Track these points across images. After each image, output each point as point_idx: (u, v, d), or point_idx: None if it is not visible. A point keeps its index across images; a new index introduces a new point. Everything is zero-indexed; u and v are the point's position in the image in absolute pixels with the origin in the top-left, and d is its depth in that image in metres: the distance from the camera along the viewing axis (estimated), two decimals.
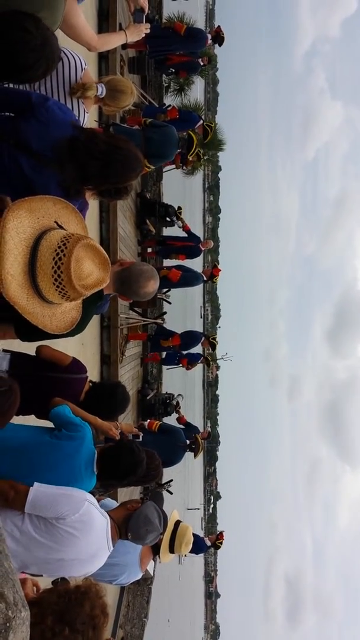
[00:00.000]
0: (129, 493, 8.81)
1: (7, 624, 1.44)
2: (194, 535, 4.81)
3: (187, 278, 10.62)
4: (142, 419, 9.89)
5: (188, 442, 9.12)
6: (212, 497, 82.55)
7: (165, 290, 11.38)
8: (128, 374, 9.67)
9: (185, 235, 11.12)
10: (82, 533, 2.64)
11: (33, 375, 3.32)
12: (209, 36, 10.30)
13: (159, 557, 4.03)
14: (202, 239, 11.79)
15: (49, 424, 3.15)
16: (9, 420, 2.20)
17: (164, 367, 12.58)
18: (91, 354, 7.65)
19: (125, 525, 2.90)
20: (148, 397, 11.14)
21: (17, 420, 3.19)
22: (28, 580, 2.26)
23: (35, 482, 2.63)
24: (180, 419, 10.79)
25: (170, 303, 12.29)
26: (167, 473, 8.90)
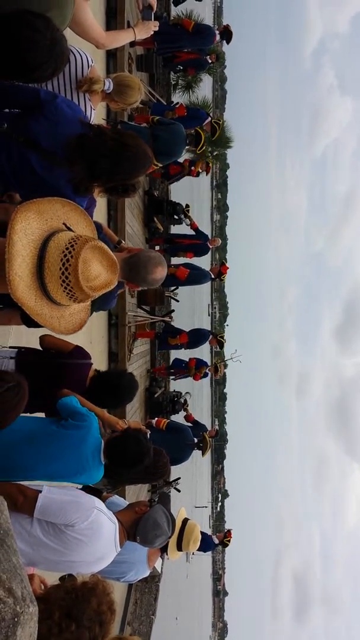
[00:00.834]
0: (137, 491, 8.83)
1: (16, 619, 1.44)
2: (202, 533, 4.81)
3: (195, 276, 10.61)
4: (150, 417, 9.90)
5: (196, 440, 9.12)
6: (219, 495, 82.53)
7: (173, 288, 11.37)
8: (136, 372, 9.68)
9: (193, 233, 11.11)
10: (90, 539, 2.65)
11: (38, 363, 3.34)
12: (217, 33, 10.27)
13: (166, 554, 4.03)
14: (210, 236, 11.77)
15: None
16: (18, 415, 2.21)
17: (172, 380, 12.41)
18: (99, 351, 7.67)
19: (134, 529, 2.91)
20: (156, 395, 11.14)
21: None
22: (35, 576, 2.27)
23: (44, 487, 2.63)
24: (188, 417, 10.79)
25: (178, 301, 12.28)
26: (175, 471, 8.90)
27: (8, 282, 1.91)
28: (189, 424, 10.23)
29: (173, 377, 11.75)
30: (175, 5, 10.77)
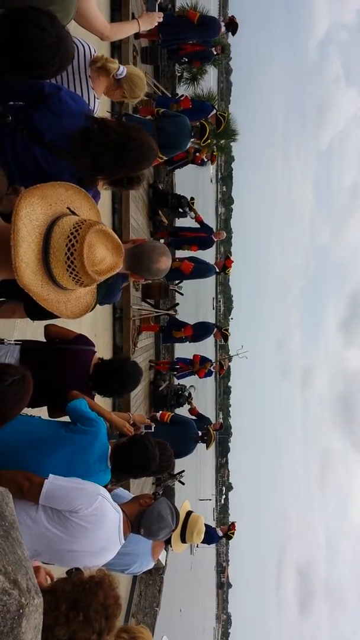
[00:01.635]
0: (141, 483, 8.86)
1: (21, 611, 1.45)
2: (206, 525, 4.83)
3: (200, 270, 10.60)
4: (154, 410, 9.91)
5: (200, 433, 9.14)
6: (224, 488, 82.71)
7: (177, 281, 11.36)
8: (140, 365, 9.69)
9: (198, 226, 11.08)
10: (94, 526, 2.67)
11: (42, 349, 3.36)
12: (223, 25, 10.20)
13: (170, 546, 4.05)
14: (214, 229, 11.75)
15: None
16: (22, 409, 2.21)
17: (176, 380, 12.37)
18: (103, 344, 7.68)
19: (138, 521, 2.93)
20: (160, 388, 11.15)
21: (30, 412, 3.22)
22: (42, 569, 2.29)
23: (50, 474, 2.66)
24: (192, 410, 10.80)
25: (182, 294, 12.28)
26: (179, 464, 8.92)
27: (14, 269, 1.91)
28: (193, 417, 10.25)
29: (176, 373, 11.73)
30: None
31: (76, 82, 2.97)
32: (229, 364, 14.72)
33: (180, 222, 12.16)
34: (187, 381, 12.46)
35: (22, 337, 3.99)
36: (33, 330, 4.61)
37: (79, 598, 1.86)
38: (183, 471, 10.46)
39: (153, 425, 4.46)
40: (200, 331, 11.22)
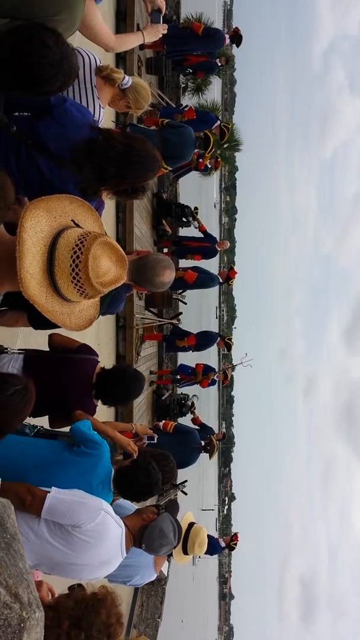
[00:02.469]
0: None
1: (22, 625, 1.44)
2: (209, 536, 4.80)
3: (203, 280, 10.60)
4: (157, 420, 9.89)
5: (203, 443, 9.10)
6: (226, 498, 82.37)
7: (180, 291, 11.37)
8: (143, 374, 9.68)
9: (202, 235, 11.10)
10: (96, 541, 2.65)
11: (45, 357, 3.36)
12: (227, 36, 10.27)
13: (172, 557, 4.03)
14: (218, 239, 11.76)
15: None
16: (25, 419, 2.20)
17: (179, 389, 12.32)
18: (107, 353, 7.67)
19: (140, 536, 2.92)
20: (163, 398, 11.13)
21: (32, 422, 3.21)
22: (44, 584, 2.27)
23: (52, 488, 2.64)
24: (195, 420, 10.77)
25: (185, 303, 12.28)
26: (182, 474, 8.88)
27: (19, 280, 1.91)
28: (196, 427, 10.21)
29: (178, 384, 11.69)
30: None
31: (82, 93, 2.98)
32: (232, 373, 14.66)
33: (183, 232, 12.19)
34: (189, 390, 12.42)
35: (25, 346, 3.99)
36: (36, 339, 4.62)
37: (82, 616, 1.85)
38: (186, 481, 10.40)
39: (156, 437, 4.44)
40: (203, 340, 11.20)
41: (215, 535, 16.62)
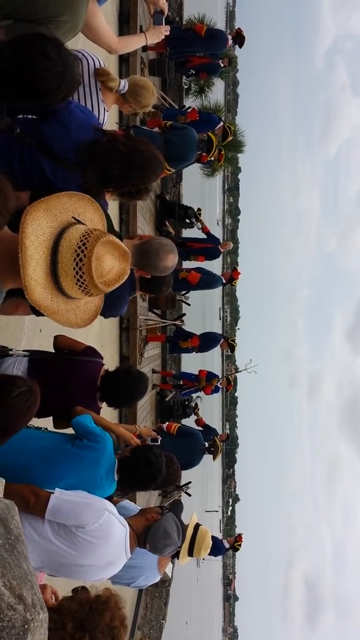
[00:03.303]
0: (147, 495, 8.82)
1: (26, 626, 1.44)
2: (213, 537, 4.79)
3: (207, 281, 10.60)
4: (161, 421, 9.88)
5: (207, 444, 9.09)
6: (230, 500, 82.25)
7: (184, 292, 11.36)
8: (147, 375, 9.68)
9: (205, 236, 11.10)
10: (100, 541, 2.65)
11: (50, 359, 3.36)
12: (230, 37, 10.27)
13: (177, 558, 4.02)
14: (221, 240, 11.77)
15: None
16: (29, 420, 2.20)
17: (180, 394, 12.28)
18: (110, 355, 7.67)
19: (144, 536, 2.92)
20: (167, 399, 11.12)
21: (36, 423, 3.21)
22: (48, 587, 2.27)
23: (56, 489, 2.64)
24: (198, 421, 10.75)
25: (189, 305, 12.27)
26: (186, 475, 8.87)
27: (24, 288, 1.92)
28: (200, 428, 10.20)
29: (180, 390, 11.65)
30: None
31: (87, 96, 2.99)
32: (236, 375, 14.64)
33: (187, 233, 12.18)
34: (193, 395, 12.40)
35: (30, 348, 4.00)
36: (40, 341, 4.62)
37: (86, 618, 1.85)
38: (189, 483, 10.39)
39: (159, 438, 4.44)
40: (206, 341, 11.19)
41: (219, 536, 16.60)
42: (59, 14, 2.46)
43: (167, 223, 11.05)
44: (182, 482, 9.35)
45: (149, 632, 11.07)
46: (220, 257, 12.62)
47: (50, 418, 3.43)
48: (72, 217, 2.06)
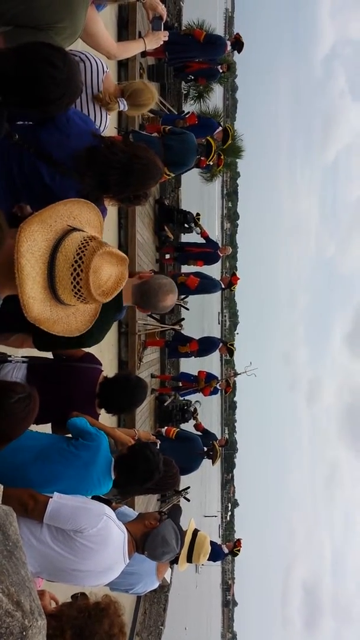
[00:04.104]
0: (146, 500, 8.79)
1: (24, 633, 1.43)
2: (212, 542, 4.77)
3: (205, 285, 10.61)
4: (160, 426, 9.87)
5: (205, 449, 9.08)
6: (229, 505, 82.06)
7: (183, 296, 11.38)
8: (146, 380, 9.66)
9: (204, 241, 11.12)
10: (99, 547, 2.65)
11: (48, 365, 3.36)
12: (229, 43, 10.31)
13: (176, 564, 4.01)
14: (220, 245, 11.78)
15: None
16: (28, 427, 2.20)
17: (180, 396, 12.29)
18: (109, 359, 7.67)
19: (143, 542, 2.91)
20: (165, 404, 11.11)
21: (35, 429, 3.21)
22: (46, 593, 2.27)
23: (55, 493, 2.64)
24: (197, 426, 10.74)
25: (188, 309, 12.28)
26: (184, 480, 8.87)
27: (22, 306, 1.92)
28: (199, 433, 10.19)
29: (180, 391, 11.65)
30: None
31: (89, 100, 3.00)
32: (235, 379, 14.63)
33: (186, 238, 12.20)
34: (192, 396, 12.41)
35: (29, 354, 3.99)
36: None
37: (84, 625, 1.84)
38: (188, 487, 10.38)
39: (158, 442, 4.43)
40: (205, 346, 11.19)
41: (218, 541, 16.55)
42: (58, 20, 2.47)
43: (166, 228, 11.07)
44: (181, 487, 9.34)
45: (148, 638, 11.03)
46: (219, 261, 12.63)
47: (49, 424, 3.43)
48: (68, 225, 2.04)
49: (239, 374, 13.88)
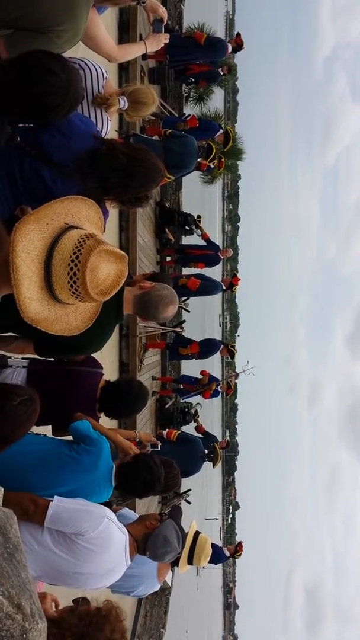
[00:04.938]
0: (147, 502, 8.79)
1: (24, 636, 1.43)
2: (213, 545, 4.77)
3: (206, 287, 10.61)
4: (161, 428, 9.86)
5: (206, 451, 9.08)
6: (230, 507, 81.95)
7: (184, 298, 11.38)
8: (146, 383, 9.66)
9: (205, 243, 11.13)
10: (100, 549, 2.65)
11: (49, 369, 3.35)
12: (229, 45, 10.32)
13: (177, 566, 4.00)
14: (221, 247, 11.79)
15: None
16: (29, 429, 2.20)
17: (181, 399, 12.28)
18: (110, 362, 7.66)
19: (144, 543, 2.91)
20: (166, 406, 11.11)
21: (35, 430, 3.21)
22: (48, 596, 2.26)
23: (55, 497, 2.63)
24: (198, 428, 10.74)
25: (189, 311, 12.28)
26: (186, 482, 8.86)
27: (19, 306, 1.89)
28: (200, 435, 10.19)
29: (180, 393, 11.64)
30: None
31: (90, 106, 3.01)
32: (236, 381, 14.63)
33: (186, 240, 12.21)
34: (193, 399, 12.40)
35: (29, 357, 3.99)
36: None
37: (86, 632, 1.83)
38: (189, 490, 10.37)
39: (159, 444, 4.43)
40: (206, 348, 11.20)
41: (220, 544, 16.53)
42: (59, 23, 2.48)
43: (166, 230, 11.08)
44: (182, 490, 9.32)
45: None
46: (220, 263, 12.65)
47: (49, 426, 3.42)
48: (65, 223, 2.02)
49: (238, 373, 13.90)
